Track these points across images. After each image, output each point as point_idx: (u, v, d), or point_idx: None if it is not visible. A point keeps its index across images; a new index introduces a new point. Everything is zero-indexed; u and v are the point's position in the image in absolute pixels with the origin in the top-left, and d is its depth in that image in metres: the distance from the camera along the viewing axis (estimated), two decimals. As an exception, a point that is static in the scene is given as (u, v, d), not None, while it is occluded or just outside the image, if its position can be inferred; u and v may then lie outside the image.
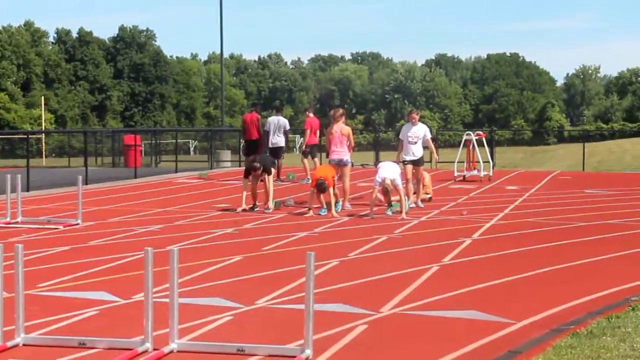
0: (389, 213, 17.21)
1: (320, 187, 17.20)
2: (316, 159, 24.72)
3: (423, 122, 20.19)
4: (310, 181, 24.17)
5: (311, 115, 25.31)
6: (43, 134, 57.32)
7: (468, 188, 23.49)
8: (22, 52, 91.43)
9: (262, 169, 17.70)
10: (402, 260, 11.96)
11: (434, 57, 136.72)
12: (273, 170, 18.46)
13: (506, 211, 18.13)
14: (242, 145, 30.60)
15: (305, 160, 24.96)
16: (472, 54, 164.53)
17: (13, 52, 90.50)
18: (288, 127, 24.85)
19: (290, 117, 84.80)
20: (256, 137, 25.23)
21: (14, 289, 7.37)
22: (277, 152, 24.09)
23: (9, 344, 7.27)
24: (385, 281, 10.49)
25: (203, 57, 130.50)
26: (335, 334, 7.83)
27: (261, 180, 17.95)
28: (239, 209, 17.65)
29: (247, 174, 18.09)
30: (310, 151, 24.76)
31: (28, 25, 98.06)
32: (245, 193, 17.94)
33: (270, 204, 17.80)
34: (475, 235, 14.41)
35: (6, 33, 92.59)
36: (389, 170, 17.18)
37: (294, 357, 7.02)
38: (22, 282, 7.38)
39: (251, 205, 17.90)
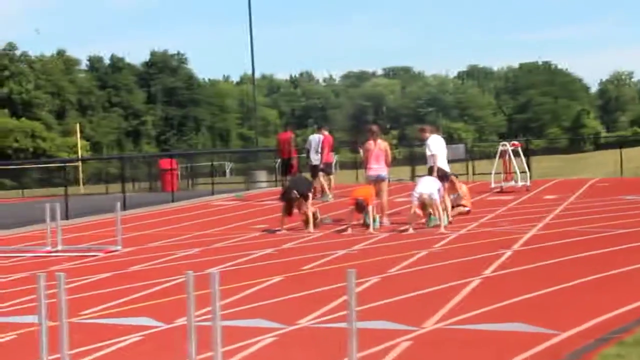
0: (430, 226, 17.16)
1: (359, 207, 17.21)
2: (332, 176, 24.81)
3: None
4: (329, 198, 24.24)
5: (326, 133, 25.32)
6: (79, 162, 57.68)
7: (506, 199, 23.35)
8: (56, 80, 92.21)
9: (299, 194, 17.83)
10: (443, 274, 11.89)
11: (465, 69, 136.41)
12: (310, 195, 18.45)
13: (546, 221, 17.99)
14: (277, 164, 30.70)
15: (322, 178, 24.93)
16: (504, 64, 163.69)
17: (47, 80, 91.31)
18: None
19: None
20: (290, 155, 25.36)
21: (57, 318, 7.39)
22: (316, 169, 24.24)
23: (56, 372, 7.29)
24: (427, 296, 10.43)
25: (235, 78, 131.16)
26: (379, 352, 7.79)
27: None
28: (280, 230, 17.68)
29: (285, 197, 18.14)
30: (325, 168, 24.82)
31: (61, 53, 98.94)
32: (283, 214, 17.95)
33: (311, 228, 17.78)
34: (516, 247, 14.31)
35: (40, 62, 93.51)
36: (425, 185, 17.15)
37: (340, 375, 6.98)
38: (65, 311, 7.40)
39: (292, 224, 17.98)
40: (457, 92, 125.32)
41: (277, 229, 17.82)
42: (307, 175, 24.09)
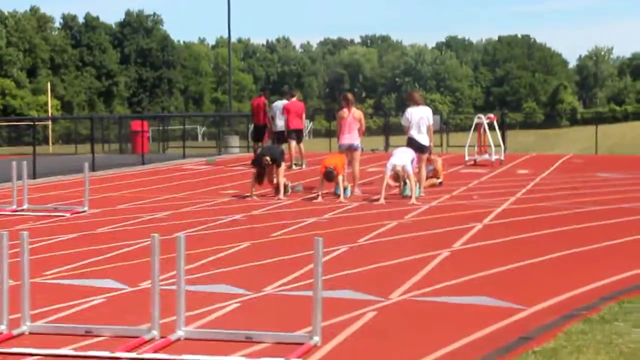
0: (407, 193, 17.08)
1: (329, 175, 17.12)
2: (301, 144, 24.61)
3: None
4: (302, 165, 24.15)
5: (294, 99, 25.12)
6: (50, 121, 57.10)
7: (479, 172, 23.33)
8: (28, 37, 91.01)
9: (272, 161, 17.66)
10: (412, 246, 11.86)
11: (444, 40, 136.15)
12: (283, 163, 18.27)
13: (518, 195, 17.98)
14: (250, 130, 30.52)
15: (292, 145, 24.75)
16: (483, 36, 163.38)
17: (19, 38, 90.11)
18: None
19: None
20: (264, 122, 25.20)
21: (19, 277, 7.29)
22: (282, 136, 24.10)
23: (15, 332, 7.20)
24: (394, 267, 10.39)
25: (211, 41, 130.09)
26: (344, 321, 7.74)
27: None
28: (250, 196, 17.57)
29: (256, 163, 18.00)
30: (296, 135, 24.61)
31: (34, 10, 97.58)
32: (253, 181, 17.81)
33: (282, 196, 17.67)
34: (486, 220, 14.30)
35: (12, 19, 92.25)
36: (400, 157, 17.07)
37: (302, 344, 6.93)
38: (28, 270, 7.31)
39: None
40: (434, 63, 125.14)
41: (247, 194, 17.70)
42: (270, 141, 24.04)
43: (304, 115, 25.14)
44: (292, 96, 25.12)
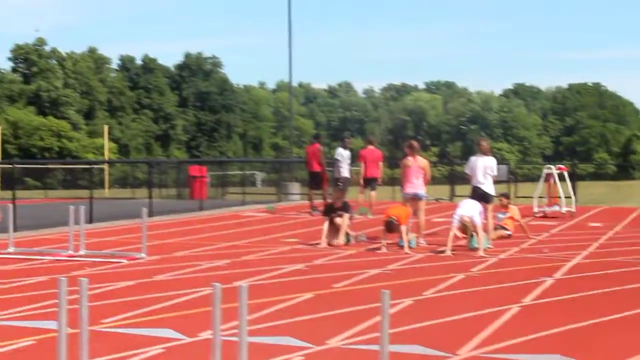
0: (470, 248, 16.70)
1: (389, 226, 16.84)
2: (373, 193, 24.38)
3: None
4: (362, 215, 23.91)
5: (371, 147, 24.98)
6: (106, 164, 57.40)
7: (549, 224, 22.82)
8: (86, 79, 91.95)
9: (342, 208, 17.62)
10: (480, 299, 11.46)
11: (511, 87, 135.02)
12: (350, 210, 18.21)
13: (590, 249, 17.46)
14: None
15: (362, 193, 24.67)
16: (552, 84, 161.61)
17: (76, 79, 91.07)
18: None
19: (361, 148, 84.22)
20: (318, 169, 25.06)
21: (77, 325, 7.08)
22: (345, 183, 24.07)
23: (72, 382, 6.99)
24: (462, 322, 10.01)
25: (271, 85, 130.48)
26: (410, 379, 7.40)
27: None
28: (322, 244, 17.37)
29: (327, 212, 17.92)
30: (372, 184, 24.43)
31: (92, 51, 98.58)
32: (326, 227, 17.62)
33: (341, 239, 17.49)
34: (558, 275, 13.83)
35: (70, 60, 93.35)
36: (467, 207, 16.75)
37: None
38: (87, 318, 7.10)
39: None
40: (501, 111, 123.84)
41: (316, 242, 17.50)
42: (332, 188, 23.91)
43: (381, 163, 24.95)
44: (371, 143, 25.18)
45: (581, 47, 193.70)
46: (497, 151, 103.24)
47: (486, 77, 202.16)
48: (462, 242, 17.16)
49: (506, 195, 20.82)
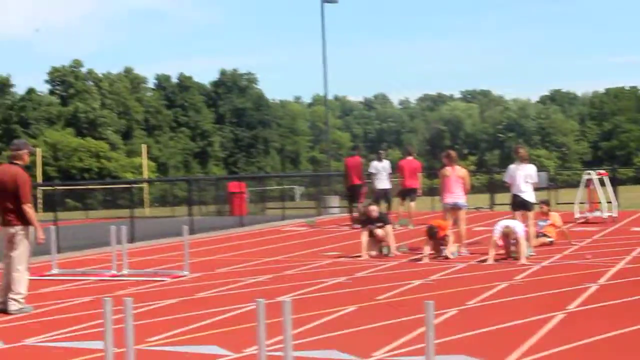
0: (512, 257, 16.61)
1: (430, 231, 16.84)
2: (412, 204, 24.34)
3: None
4: (402, 226, 23.87)
5: (410, 158, 24.94)
6: (146, 183, 57.59)
7: (591, 230, 22.61)
8: (123, 99, 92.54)
9: (380, 219, 17.61)
10: (524, 307, 11.38)
11: (548, 93, 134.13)
12: (391, 222, 18.23)
13: (634, 254, 17.27)
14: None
15: (402, 204, 24.66)
16: (589, 89, 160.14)
17: (113, 99, 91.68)
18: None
19: (399, 159, 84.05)
20: (357, 182, 25.01)
21: (123, 344, 7.12)
22: (382, 195, 24.08)
23: (120, 401, 7.02)
24: (507, 330, 9.95)
25: (306, 99, 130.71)
26: (457, 389, 7.36)
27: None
28: (363, 256, 17.35)
29: (365, 223, 17.89)
30: (411, 195, 24.39)
31: (127, 71, 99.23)
32: (365, 239, 17.62)
33: (393, 250, 17.51)
34: (602, 281, 13.70)
35: (107, 81, 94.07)
36: (508, 219, 16.77)
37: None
38: (132, 337, 7.13)
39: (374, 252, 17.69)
40: (538, 117, 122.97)
41: (356, 255, 17.48)
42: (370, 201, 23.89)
43: (419, 174, 24.89)
44: (409, 154, 25.15)
45: (617, 51, 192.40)
46: (535, 158, 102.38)
47: (522, 85, 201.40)
48: (504, 251, 17.05)
49: (546, 202, 20.69)
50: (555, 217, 19.93)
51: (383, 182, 24.83)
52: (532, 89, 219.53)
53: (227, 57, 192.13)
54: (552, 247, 18.71)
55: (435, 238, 16.99)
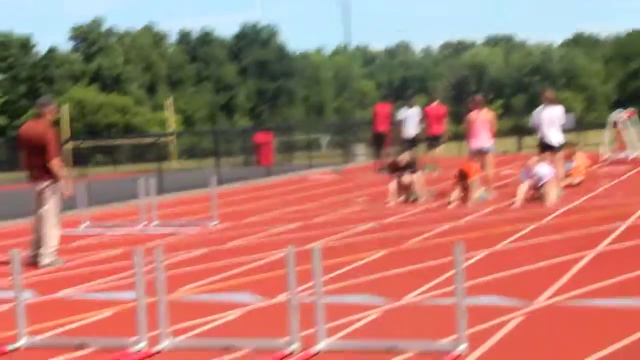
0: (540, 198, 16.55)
1: (460, 175, 16.84)
2: (439, 149, 24.27)
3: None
4: (430, 171, 23.82)
5: (434, 104, 24.83)
6: (172, 136, 57.59)
7: (619, 170, 22.48)
8: (146, 54, 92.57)
9: (407, 167, 17.58)
10: (554, 248, 11.38)
11: (571, 37, 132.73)
12: (418, 167, 18.21)
13: (662, 193, 17.20)
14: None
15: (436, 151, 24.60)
16: (612, 32, 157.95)
17: (137, 55, 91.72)
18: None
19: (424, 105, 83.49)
20: (383, 129, 24.94)
21: (155, 294, 7.19)
22: (412, 142, 24.00)
23: (155, 349, 7.09)
24: (538, 271, 9.96)
25: (329, 50, 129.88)
26: (489, 328, 7.38)
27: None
28: (391, 202, 17.36)
29: (392, 169, 17.89)
30: (436, 141, 24.31)
31: (149, 28, 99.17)
32: (393, 186, 17.61)
33: (421, 197, 17.52)
34: (631, 220, 13.64)
35: (129, 37, 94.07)
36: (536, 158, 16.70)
37: (448, 353, 6.61)
38: (164, 287, 7.20)
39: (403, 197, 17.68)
40: (562, 61, 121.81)
41: (385, 201, 17.49)
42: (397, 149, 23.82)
43: (445, 120, 24.75)
44: (434, 100, 25.03)
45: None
46: (561, 101, 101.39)
47: (544, 29, 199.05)
48: (532, 193, 17.00)
49: (573, 144, 20.57)
50: (581, 157, 19.82)
51: (412, 129, 24.76)
52: (554, 34, 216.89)
53: (248, 10, 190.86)
54: (580, 188, 18.63)
55: (465, 181, 16.97)
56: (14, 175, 30.76)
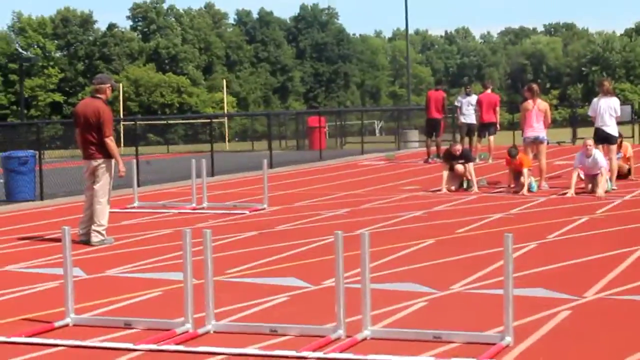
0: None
1: (511, 152, 16.74)
2: (491, 138, 24.03)
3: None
4: (482, 160, 23.61)
5: (488, 91, 24.58)
6: (226, 118, 57.69)
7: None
8: (204, 35, 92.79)
9: (462, 156, 17.49)
10: (605, 241, 11.25)
11: (633, 26, 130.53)
12: (473, 156, 18.11)
13: None
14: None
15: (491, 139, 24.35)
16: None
17: (195, 35, 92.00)
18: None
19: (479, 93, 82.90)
20: (436, 116, 24.77)
21: (203, 276, 7.22)
22: (468, 130, 23.89)
23: (200, 331, 7.13)
24: (588, 264, 9.85)
25: (387, 34, 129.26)
26: (536, 320, 7.32)
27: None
28: (443, 190, 17.26)
29: (447, 157, 17.79)
30: (490, 129, 24.07)
31: (208, 7, 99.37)
32: (446, 174, 17.50)
33: (475, 188, 17.38)
34: (685, 214, 13.45)
35: (187, 16, 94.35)
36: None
37: (494, 344, 6.56)
38: (211, 269, 7.23)
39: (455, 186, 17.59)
40: (623, 51, 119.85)
41: (436, 189, 17.41)
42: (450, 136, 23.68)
43: (497, 108, 24.54)
44: (486, 88, 24.83)
45: None
46: (619, 92, 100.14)
47: (607, 17, 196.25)
48: (585, 185, 16.81)
49: (620, 135, 20.28)
50: (627, 148, 19.51)
51: (469, 117, 24.64)
52: (617, 22, 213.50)
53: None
54: (633, 181, 18.38)
55: (514, 157, 16.86)
56: (68, 152, 31.10)
